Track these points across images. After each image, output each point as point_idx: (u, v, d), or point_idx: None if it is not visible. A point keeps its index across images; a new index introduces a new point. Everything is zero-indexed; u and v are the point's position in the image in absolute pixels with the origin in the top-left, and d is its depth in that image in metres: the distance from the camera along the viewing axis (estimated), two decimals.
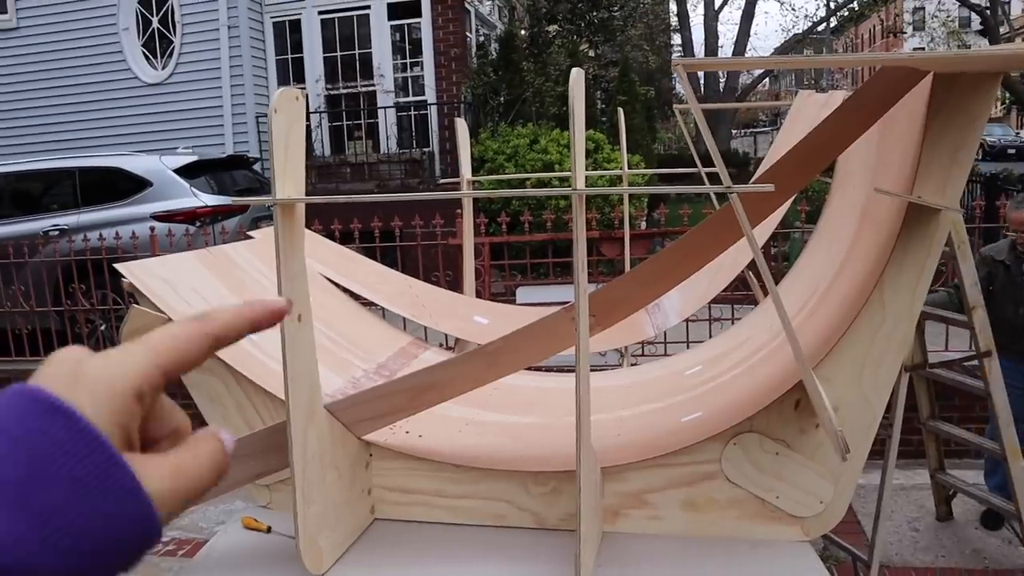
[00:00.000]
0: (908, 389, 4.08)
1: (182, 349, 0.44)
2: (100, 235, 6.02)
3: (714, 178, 2.08)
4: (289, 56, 11.63)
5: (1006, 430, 3.41)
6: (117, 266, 2.36)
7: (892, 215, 2.06)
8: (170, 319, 2.26)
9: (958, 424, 4.07)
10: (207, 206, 6.99)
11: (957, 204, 1.89)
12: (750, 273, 3.64)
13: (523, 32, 12.90)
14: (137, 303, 2.30)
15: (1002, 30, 12.70)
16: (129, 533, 0.38)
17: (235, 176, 8.01)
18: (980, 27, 12.35)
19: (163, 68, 11.38)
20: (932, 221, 1.90)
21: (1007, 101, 10.79)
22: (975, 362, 3.46)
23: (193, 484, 0.42)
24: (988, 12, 12.20)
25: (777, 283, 2.09)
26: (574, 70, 1.58)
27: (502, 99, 11.14)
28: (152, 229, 6.01)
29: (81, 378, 0.40)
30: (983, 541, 3.76)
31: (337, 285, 3.14)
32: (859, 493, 3.24)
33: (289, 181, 1.74)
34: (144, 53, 11.45)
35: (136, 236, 5.97)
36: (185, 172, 7.23)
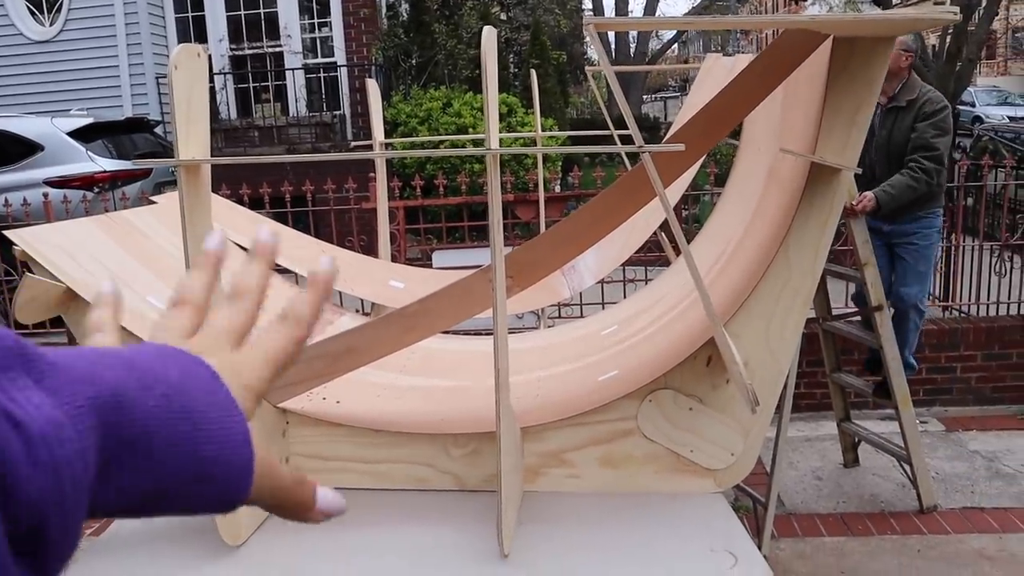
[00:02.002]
0: (816, 343, 4.26)
1: (281, 356, 0.50)
2: None
3: (627, 140, 2.10)
4: (190, 14, 11.13)
5: (897, 380, 3.61)
6: (8, 233, 2.24)
7: (796, 175, 2.13)
8: (68, 287, 2.16)
9: (858, 376, 4.27)
10: (105, 171, 6.67)
11: (855, 164, 1.97)
12: (662, 234, 3.71)
13: None
14: (31, 272, 2.19)
15: (894, 1, 13.17)
16: (227, 472, 0.43)
17: (135, 140, 7.65)
18: None
19: (51, 24, 10.74)
20: (833, 180, 1.98)
21: (957, 155, 11.32)
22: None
23: (274, 476, 0.47)
24: None
25: (688, 244, 2.14)
26: (486, 28, 1.57)
27: (414, 61, 10.95)
28: (45, 196, 5.71)
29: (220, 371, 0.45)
30: (879, 487, 3.98)
31: (246, 251, 3.06)
32: (766, 444, 3.38)
33: (193, 141, 1.68)
34: (29, 8, 10.77)
35: (28, 203, 5.66)
36: (80, 135, 6.87)
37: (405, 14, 11.83)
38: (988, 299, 5.02)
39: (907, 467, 3.73)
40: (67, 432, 0.36)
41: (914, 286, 3.96)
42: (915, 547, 3.41)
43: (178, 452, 0.40)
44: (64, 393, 0.37)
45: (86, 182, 6.52)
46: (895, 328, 3.73)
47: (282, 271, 3.28)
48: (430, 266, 5.14)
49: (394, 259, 4.34)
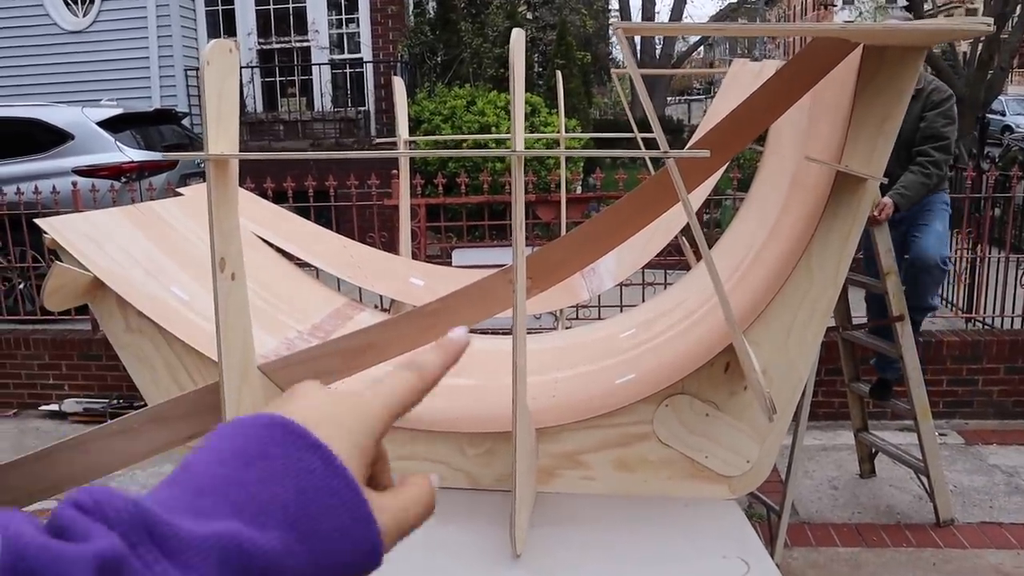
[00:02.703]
0: (835, 352, 4.24)
1: (406, 401, 0.51)
2: (18, 189, 5.76)
3: (650, 143, 2.10)
4: (220, 7, 11.22)
5: (916, 391, 3.58)
6: (38, 222, 2.27)
7: (821, 183, 2.12)
8: (95, 276, 2.19)
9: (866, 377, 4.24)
10: (133, 161, 6.75)
11: (881, 173, 1.96)
12: (683, 239, 3.70)
13: None
14: (60, 260, 2.22)
15: (926, 7, 13.04)
16: (361, 558, 0.44)
17: (163, 131, 7.73)
18: (906, 3, 12.66)
19: (84, 15, 10.87)
20: (859, 190, 1.97)
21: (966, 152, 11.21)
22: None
23: (409, 524, 0.48)
24: None
25: (709, 249, 2.13)
26: (515, 30, 1.57)
27: (439, 59, 10.98)
28: (74, 184, 5.78)
29: (332, 418, 0.46)
30: (896, 498, 3.95)
31: (271, 245, 3.09)
32: (782, 452, 3.37)
33: (222, 136, 1.70)
34: None
35: (57, 191, 5.74)
36: (109, 125, 6.95)
37: (432, 11, 11.86)
38: (1013, 312, 4.96)
39: (924, 479, 3.70)
40: None
41: (933, 245, 3.90)
42: (930, 560, 3.38)
43: (314, 571, 0.42)
44: (192, 564, 0.38)
45: (114, 172, 6.60)
46: (913, 284, 3.71)
47: (303, 265, 3.30)
48: (450, 264, 5.16)
49: (414, 256, 4.36)
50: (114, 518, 0.38)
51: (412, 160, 8.31)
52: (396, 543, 0.47)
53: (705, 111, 4.17)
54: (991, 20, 1.64)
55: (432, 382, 0.52)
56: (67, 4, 10.92)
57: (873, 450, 4.11)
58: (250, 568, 0.40)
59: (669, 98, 28.02)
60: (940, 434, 4.53)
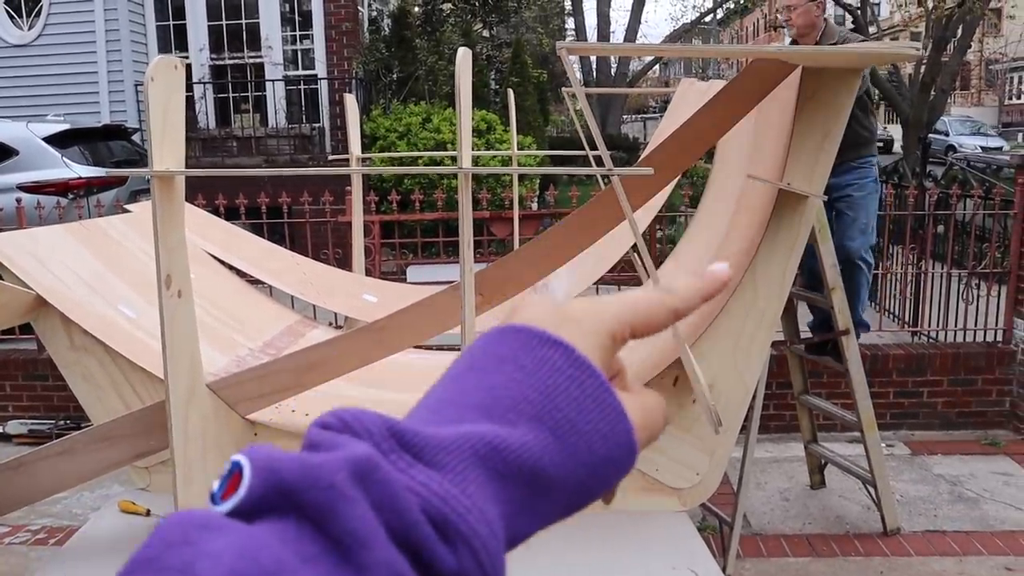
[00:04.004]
0: (785, 366, 4.31)
1: (650, 313, 0.47)
2: None
3: (601, 162, 2.14)
4: (171, 22, 11.10)
5: (862, 403, 3.66)
6: None
7: (765, 200, 2.18)
8: (38, 294, 2.15)
9: (825, 399, 4.33)
10: (80, 177, 6.62)
11: (822, 190, 2.01)
12: (635, 254, 3.75)
13: (416, 9, 12.74)
14: (1, 279, 2.18)
15: (871, 30, 13.41)
16: (617, 452, 0.42)
17: (112, 147, 7.60)
18: (852, 26, 13.01)
19: (30, 28, 10.66)
20: (800, 207, 2.02)
21: (876, 98, 11.49)
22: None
23: (657, 426, 0.46)
24: (859, 12, 12.85)
25: (660, 265, 2.17)
26: (461, 49, 1.59)
27: (395, 76, 10.99)
28: (19, 201, 5.65)
29: (567, 318, 0.44)
30: (845, 508, 4.02)
31: (222, 263, 3.06)
32: (734, 465, 3.41)
33: (167, 152, 1.69)
34: (7, 11, 10.69)
35: (0, 208, 5.61)
36: (56, 141, 6.82)
37: (387, 29, 11.88)
38: (956, 325, 5.10)
39: (872, 490, 3.78)
40: (461, 503, 0.36)
41: (856, 239, 4.01)
42: (878, 569, 3.45)
43: (572, 469, 0.40)
44: (443, 463, 0.37)
45: (60, 188, 6.47)
46: (844, 281, 3.79)
47: (255, 282, 3.27)
48: (405, 281, 5.15)
49: (368, 273, 4.35)
50: (362, 431, 0.37)
51: (367, 177, 8.29)
52: (647, 444, 0.45)
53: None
54: (919, 45, 1.70)
55: (683, 305, 0.49)
56: (11, 17, 10.71)
57: (823, 462, 4.19)
58: (506, 463, 0.38)
59: (625, 116, 28.34)
60: (887, 445, 4.63)
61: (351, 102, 3.70)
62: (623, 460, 0.42)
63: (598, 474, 0.41)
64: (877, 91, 11.39)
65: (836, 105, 1.95)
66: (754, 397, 3.24)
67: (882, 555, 3.55)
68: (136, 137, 8.65)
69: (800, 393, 4.19)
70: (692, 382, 1.92)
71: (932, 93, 12.23)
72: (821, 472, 4.24)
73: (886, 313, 5.62)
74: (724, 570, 3.02)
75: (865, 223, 4.08)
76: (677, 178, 2.89)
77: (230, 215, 4.39)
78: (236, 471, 0.35)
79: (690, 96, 3.57)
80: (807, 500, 4.15)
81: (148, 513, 2.17)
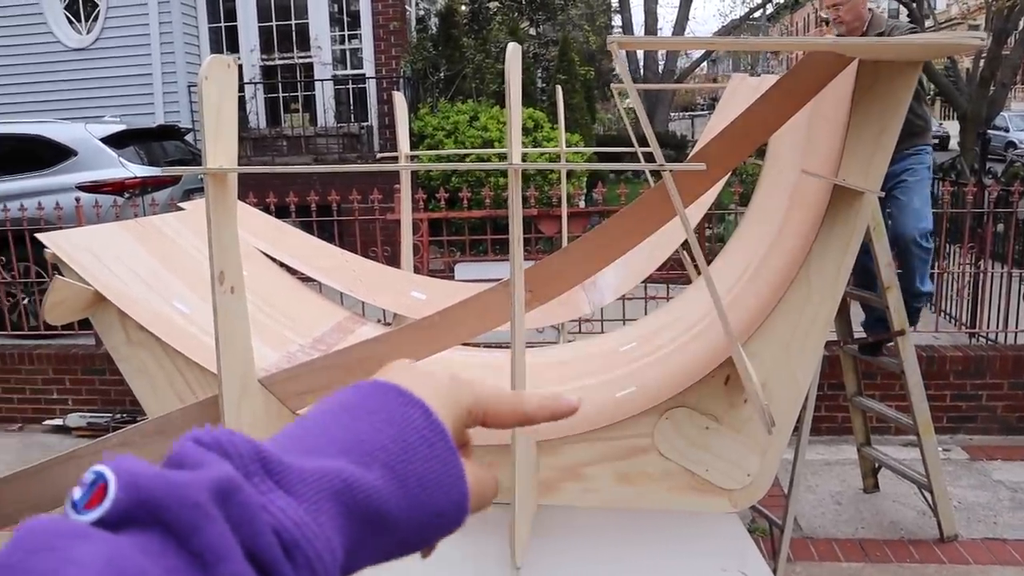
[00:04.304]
0: (838, 367, 4.23)
1: (506, 407, 0.54)
2: (21, 205, 5.79)
3: (651, 158, 2.11)
4: (223, 24, 11.29)
5: (919, 406, 3.57)
6: (41, 236, 2.29)
7: (819, 196, 2.13)
8: (96, 290, 2.20)
9: (879, 401, 4.23)
10: (136, 177, 6.78)
11: (879, 187, 1.96)
12: (684, 252, 3.71)
13: (463, 7, 12.78)
14: (61, 274, 2.23)
15: (927, 23, 13.09)
16: (451, 510, 0.47)
17: (166, 147, 7.77)
18: (908, 19, 12.71)
19: (88, 32, 10.94)
20: (856, 203, 1.97)
21: (931, 92, 11.19)
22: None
23: (486, 499, 0.51)
24: (914, 4, 12.55)
25: (710, 263, 2.14)
26: (511, 45, 1.59)
27: (442, 75, 11.04)
28: (77, 200, 5.81)
29: (437, 386, 0.50)
30: (899, 513, 3.93)
31: (273, 259, 3.09)
32: (785, 467, 3.35)
33: (221, 150, 1.71)
34: (67, 16, 10.99)
35: (60, 207, 5.77)
36: (113, 141, 6.98)
37: (434, 28, 11.94)
38: (1016, 327, 4.95)
39: (928, 495, 3.68)
40: (310, 530, 0.40)
41: (910, 222, 3.94)
42: None
43: (410, 515, 0.45)
44: (301, 493, 0.41)
45: (117, 187, 6.63)
46: (900, 263, 3.71)
47: (306, 279, 3.31)
48: (452, 278, 5.16)
49: (416, 270, 4.37)
50: (231, 452, 0.40)
51: (415, 175, 8.33)
52: (476, 510, 0.50)
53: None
54: (983, 35, 1.65)
55: (533, 415, 0.55)
56: (70, 21, 11.00)
57: (876, 465, 4.10)
58: (356, 502, 0.42)
59: (673, 113, 28.09)
60: (944, 449, 4.51)
61: (400, 100, 3.72)
62: (454, 517, 0.47)
63: (432, 524, 0.46)
64: (932, 85, 11.08)
65: (894, 99, 1.90)
66: (806, 398, 3.18)
67: (938, 562, 3.46)
68: (189, 137, 8.82)
69: (853, 395, 4.10)
70: (744, 381, 1.89)
71: (991, 88, 11.89)
72: (875, 475, 4.15)
73: (943, 314, 5.48)
74: (775, 573, 2.97)
75: (920, 207, 4.00)
76: (727, 175, 2.84)
77: (281, 213, 4.45)
78: (101, 482, 0.37)
79: (742, 91, 3.51)
80: (860, 504, 4.06)
81: None
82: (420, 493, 0.45)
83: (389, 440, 0.45)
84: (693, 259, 3.68)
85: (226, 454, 0.40)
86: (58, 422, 5.48)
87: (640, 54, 20.30)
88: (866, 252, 3.38)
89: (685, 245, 3.57)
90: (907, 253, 3.93)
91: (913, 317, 3.90)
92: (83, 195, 6.15)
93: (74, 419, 5.45)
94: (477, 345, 3.48)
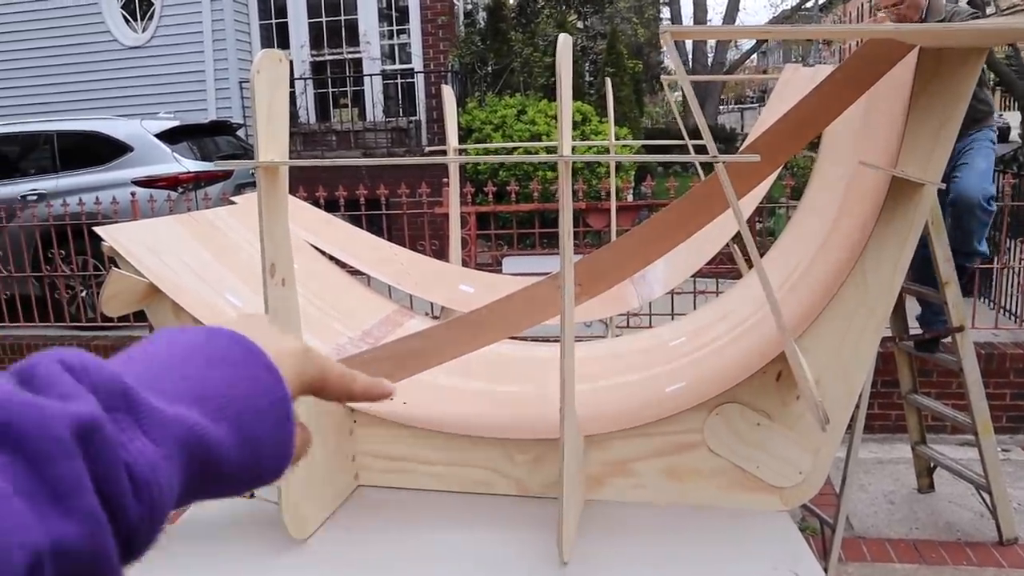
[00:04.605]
0: (892, 363, 4.13)
1: (340, 383, 0.61)
2: (80, 200, 5.95)
3: (701, 150, 2.08)
4: (273, 21, 11.45)
5: (977, 404, 3.47)
6: (98, 230, 2.33)
7: (876, 189, 2.07)
8: (151, 283, 2.24)
9: (935, 399, 4.13)
10: (189, 172, 6.91)
11: (939, 178, 1.90)
12: (735, 246, 3.65)
13: (511, 1, 12.76)
14: (118, 267, 2.28)
15: (989, 10, 12.70)
16: (275, 471, 0.52)
17: (218, 142, 7.91)
18: (968, 4, 12.34)
19: (143, 31, 11.19)
20: (915, 196, 1.92)
21: (992, 81, 10.84)
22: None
23: (299, 455, 0.56)
24: None
25: (762, 257, 2.10)
26: (561, 35, 1.57)
27: (490, 69, 11.05)
28: (133, 195, 5.95)
29: (290, 353, 0.56)
30: (956, 515, 3.83)
31: (322, 253, 3.13)
32: (837, 465, 3.29)
33: (272, 144, 1.73)
34: (123, 15, 11.25)
35: (116, 201, 5.91)
36: (167, 137, 7.13)
37: (482, 22, 11.95)
38: None
39: (986, 496, 3.58)
40: (162, 473, 0.44)
41: (975, 183, 3.78)
42: None
43: (241, 471, 0.50)
44: (159, 437, 0.45)
45: (171, 182, 6.77)
46: (956, 226, 3.59)
47: (354, 272, 3.34)
48: (500, 272, 5.16)
49: (465, 264, 4.38)
50: (98, 385, 0.43)
51: (463, 169, 8.35)
52: (296, 459, 0.56)
53: (758, 119, 4.12)
54: None
55: (358, 394, 0.62)
56: (127, 20, 11.25)
57: (932, 464, 4.00)
58: (201, 452, 0.47)
59: (722, 106, 27.73)
60: (1003, 450, 4.39)
61: (448, 93, 3.72)
62: (275, 476, 0.53)
63: (256, 479, 0.52)
64: (992, 73, 10.75)
65: (957, 88, 1.83)
66: (860, 395, 3.11)
67: (997, 566, 3.36)
68: (241, 133, 8.96)
69: (908, 392, 4.00)
70: (797, 377, 1.85)
71: None
72: (930, 475, 4.05)
73: (1003, 311, 5.32)
74: (826, 573, 2.91)
75: (985, 170, 3.85)
76: (779, 168, 2.79)
77: (330, 207, 4.50)
78: None
79: (796, 81, 3.44)
80: (914, 504, 3.96)
81: (252, 496, 2.24)
82: (257, 453, 0.50)
83: (242, 400, 0.49)
84: (744, 253, 3.62)
85: (93, 387, 0.43)
86: None
87: (689, 46, 20.07)
88: (923, 244, 3.29)
89: (735, 239, 3.51)
90: (968, 215, 3.76)
91: (963, 273, 3.72)
92: (138, 190, 6.29)
93: None
94: (525, 339, 3.48)
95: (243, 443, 0.49)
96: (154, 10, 11.05)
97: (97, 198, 5.93)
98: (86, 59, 11.22)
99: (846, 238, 2.24)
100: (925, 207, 1.95)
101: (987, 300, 5.68)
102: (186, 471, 0.46)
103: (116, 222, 3.82)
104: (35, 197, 6.90)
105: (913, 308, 4.04)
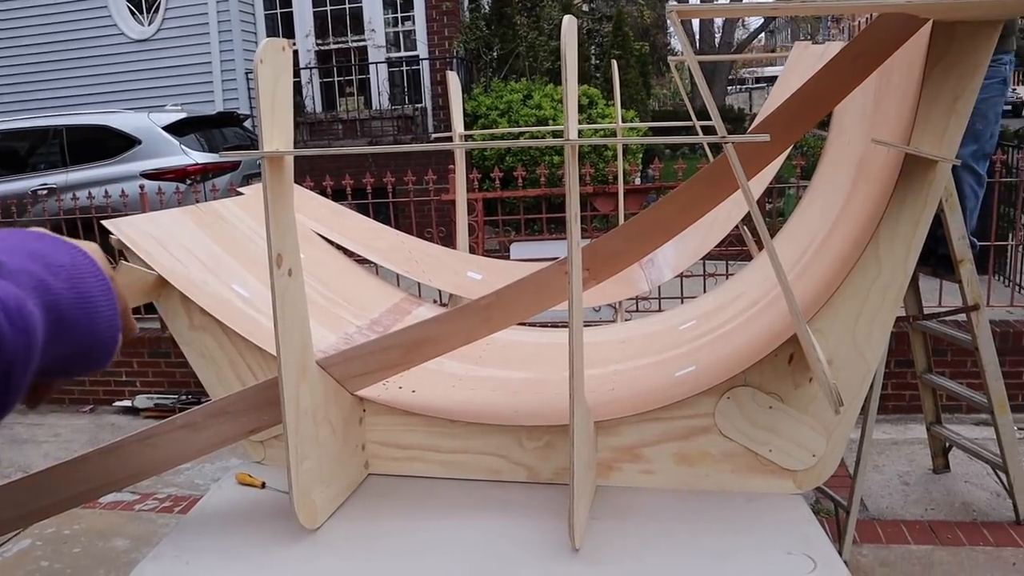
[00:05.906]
0: (906, 343, 4.10)
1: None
2: (89, 193, 5.97)
3: (709, 131, 2.05)
4: (278, 11, 11.42)
5: (993, 383, 3.44)
6: (106, 223, 2.33)
7: (888, 167, 2.04)
8: (159, 275, 2.24)
9: (950, 378, 4.09)
10: (197, 164, 6.92)
11: (953, 155, 1.87)
12: (744, 228, 3.62)
13: None
14: (127, 260, 2.27)
15: None
16: (112, 318, 0.65)
17: (225, 133, 7.91)
18: None
19: (149, 24, 11.18)
20: (929, 173, 1.89)
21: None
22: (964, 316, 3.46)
23: (129, 324, 0.71)
24: None
25: (772, 238, 2.08)
26: (566, 17, 1.55)
27: (495, 54, 11.00)
28: (142, 187, 5.95)
29: (103, 264, 0.68)
30: (972, 495, 3.80)
31: (330, 242, 3.11)
32: (851, 447, 3.26)
33: (277, 133, 1.71)
34: (129, 8, 11.24)
35: (125, 194, 5.91)
36: (174, 129, 7.14)
37: (487, 6, 11.88)
38: None
39: (1003, 476, 3.55)
40: (28, 307, 0.53)
41: (967, 144, 3.62)
42: (1010, 560, 3.24)
43: (82, 327, 0.61)
44: (16, 280, 0.55)
45: (179, 174, 6.77)
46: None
47: (362, 261, 3.33)
48: (508, 258, 5.15)
49: (472, 250, 4.36)
50: None
51: (469, 155, 8.32)
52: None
53: (766, 99, 4.07)
54: None
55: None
56: (133, 14, 11.25)
57: (947, 444, 3.97)
58: (50, 302, 0.57)
59: (730, 87, 27.53)
60: (1020, 428, 4.35)
61: (453, 79, 3.70)
62: (113, 342, 0.66)
63: (98, 344, 0.63)
64: (1015, 48, 10.59)
65: (971, 61, 1.80)
66: (874, 376, 3.09)
67: (1015, 546, 3.34)
68: (248, 123, 8.96)
69: (923, 372, 3.97)
70: (810, 360, 1.83)
71: None
72: (945, 455, 4.02)
73: (1019, 288, 5.27)
74: (840, 555, 2.90)
75: (981, 128, 3.69)
76: (789, 149, 2.75)
77: (337, 196, 4.49)
78: None
79: (805, 59, 3.40)
80: (929, 485, 3.94)
81: (263, 486, 2.24)
82: (91, 315, 0.62)
83: (70, 266, 0.62)
84: (755, 234, 3.59)
85: None
86: (127, 403, 5.65)
87: (696, 26, 19.91)
88: (936, 221, 3.25)
89: (745, 221, 3.48)
90: (955, 179, 3.53)
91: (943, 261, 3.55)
92: (147, 182, 6.29)
93: (142, 400, 5.62)
94: (534, 324, 3.46)
95: (79, 300, 0.60)
96: (160, 3, 11.04)
97: (106, 191, 5.95)
98: (93, 53, 11.23)
99: (858, 218, 2.21)
100: (940, 184, 1.92)
101: (1002, 278, 5.62)
102: (44, 314, 0.55)
103: (125, 215, 3.82)
104: (45, 191, 6.92)
105: (927, 289, 4.00)
